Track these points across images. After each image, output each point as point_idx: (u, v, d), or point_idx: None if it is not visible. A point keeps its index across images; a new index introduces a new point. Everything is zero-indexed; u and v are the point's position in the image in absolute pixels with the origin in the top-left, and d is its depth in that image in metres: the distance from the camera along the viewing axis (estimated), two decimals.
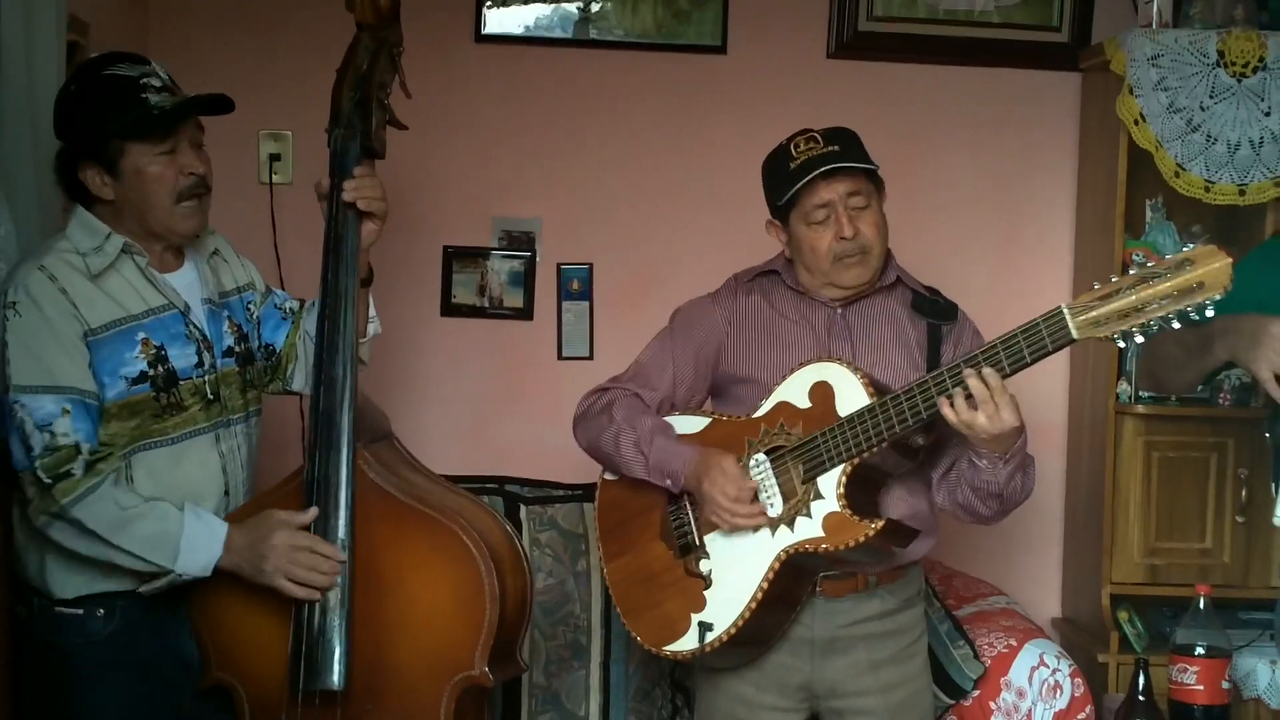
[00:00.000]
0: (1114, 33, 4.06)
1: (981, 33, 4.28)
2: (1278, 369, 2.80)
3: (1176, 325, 2.62)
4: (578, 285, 4.27)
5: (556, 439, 4.08)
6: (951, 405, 2.80)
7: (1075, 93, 4.34)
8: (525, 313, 4.27)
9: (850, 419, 2.91)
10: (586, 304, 4.27)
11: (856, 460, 2.92)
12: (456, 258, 4.23)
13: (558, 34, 4.22)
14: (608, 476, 3.29)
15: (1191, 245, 2.70)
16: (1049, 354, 2.75)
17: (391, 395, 4.02)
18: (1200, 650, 3.72)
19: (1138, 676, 3.67)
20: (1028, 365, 2.77)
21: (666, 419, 3.17)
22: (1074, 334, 2.69)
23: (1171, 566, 4.05)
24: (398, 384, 4.19)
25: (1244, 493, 4.01)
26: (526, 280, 4.25)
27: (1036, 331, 2.73)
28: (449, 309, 4.25)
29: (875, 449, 2.90)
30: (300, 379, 3.21)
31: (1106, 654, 4.00)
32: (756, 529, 3.00)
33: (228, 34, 4.12)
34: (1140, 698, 3.67)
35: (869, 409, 2.89)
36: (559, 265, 4.27)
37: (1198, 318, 2.60)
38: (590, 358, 4.27)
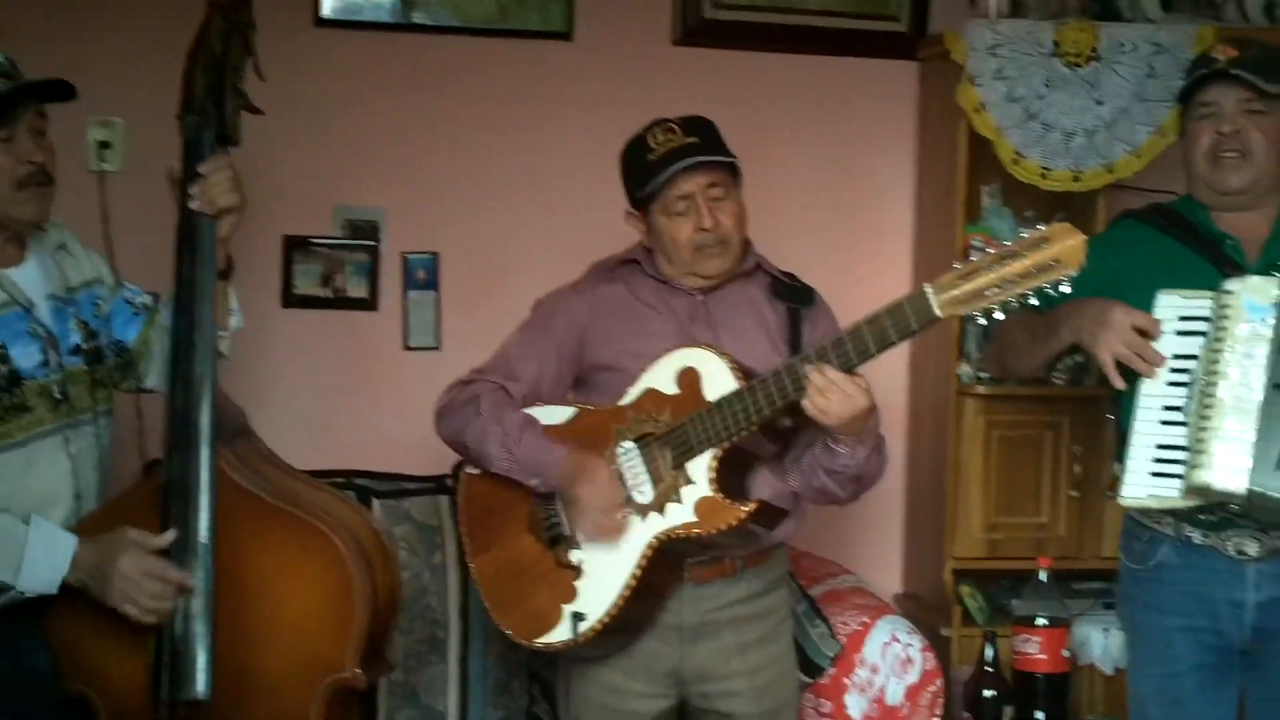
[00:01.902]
0: (950, 23, 4.15)
1: (823, 21, 4.33)
2: (1116, 353, 2.92)
3: (1035, 302, 2.70)
4: (424, 275, 4.22)
5: (405, 430, 4.08)
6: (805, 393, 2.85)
7: (914, 81, 4.42)
8: (370, 303, 4.20)
9: (719, 403, 2.94)
10: (433, 294, 4.23)
11: (727, 444, 2.95)
12: (297, 248, 4.15)
13: (399, 19, 4.15)
14: (471, 470, 3.27)
15: (1027, 230, 2.77)
16: (914, 333, 2.82)
17: (231, 390, 3.90)
18: (1042, 621, 3.88)
19: (985, 649, 3.82)
20: (894, 344, 2.84)
21: (533, 410, 3.16)
22: (938, 312, 2.75)
23: (1010, 541, 4.17)
24: (238, 378, 4.06)
25: (1077, 468, 4.14)
26: (371, 270, 4.18)
27: (901, 312, 2.79)
28: (290, 300, 4.17)
29: (745, 433, 2.93)
30: (155, 377, 3.12)
31: (949, 628, 4.11)
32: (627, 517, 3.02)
33: (50, 16, 3.96)
34: (988, 669, 3.81)
35: (737, 393, 2.93)
36: (404, 255, 4.21)
37: (1055, 294, 2.69)
38: (437, 348, 4.23)
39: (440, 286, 4.24)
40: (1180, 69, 3.91)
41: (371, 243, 4.19)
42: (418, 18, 4.16)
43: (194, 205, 2.89)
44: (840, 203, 4.44)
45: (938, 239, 4.25)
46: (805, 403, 2.85)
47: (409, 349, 4.24)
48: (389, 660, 3.07)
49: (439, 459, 3.75)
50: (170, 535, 2.83)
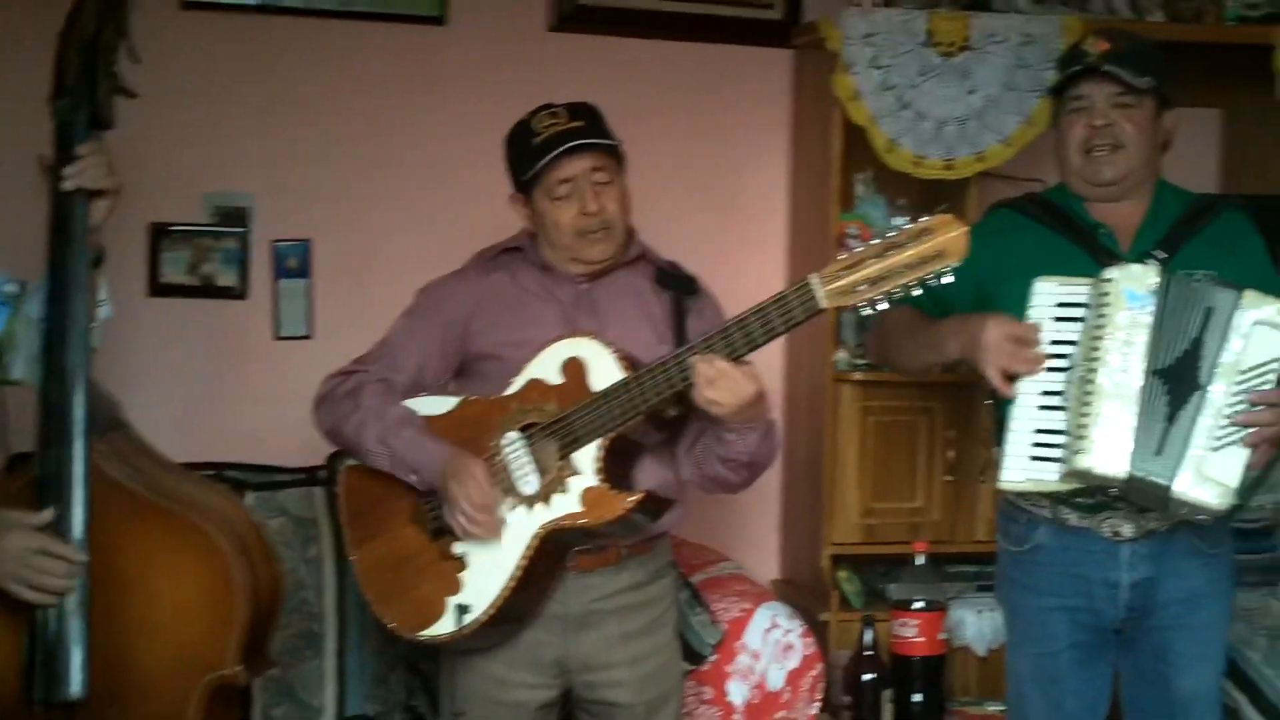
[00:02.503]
0: (824, 11, 4.16)
1: (697, 8, 4.33)
2: (1000, 366, 2.95)
3: (918, 292, 2.73)
4: (294, 263, 4.15)
5: (277, 421, 4.02)
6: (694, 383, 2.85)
7: (788, 69, 4.44)
8: (239, 292, 4.12)
9: (605, 393, 2.93)
10: (304, 282, 4.16)
11: (613, 434, 2.94)
12: (164, 235, 4.06)
13: (269, 1, 4.07)
14: (350, 462, 3.22)
15: (905, 219, 2.80)
16: (800, 323, 2.84)
17: (98, 381, 3.85)
18: (919, 604, 3.92)
19: (864, 633, 3.85)
20: (779, 335, 2.86)
21: (415, 401, 3.12)
22: (823, 303, 2.78)
23: (886, 526, 4.21)
24: (104, 370, 3.95)
25: (951, 453, 4.19)
26: (240, 258, 4.10)
27: (787, 302, 2.81)
28: (157, 289, 4.07)
29: (631, 422, 2.92)
30: (21, 368, 3.02)
31: (827, 612, 4.12)
32: (513, 506, 2.99)
33: None
34: (866, 653, 3.85)
35: (624, 383, 2.92)
36: (274, 242, 4.14)
37: (937, 284, 2.71)
38: (309, 337, 4.17)
39: (312, 274, 4.18)
40: (1049, 59, 4.00)
41: (240, 229, 4.11)
42: (289, 0, 4.09)
43: (67, 187, 2.80)
44: (715, 190, 4.45)
45: (812, 227, 4.27)
46: (694, 393, 2.85)
47: (280, 338, 4.17)
48: (270, 657, 3.01)
49: (312, 450, 3.70)
50: (49, 514, 2.73)
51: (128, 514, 2.82)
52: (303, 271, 4.16)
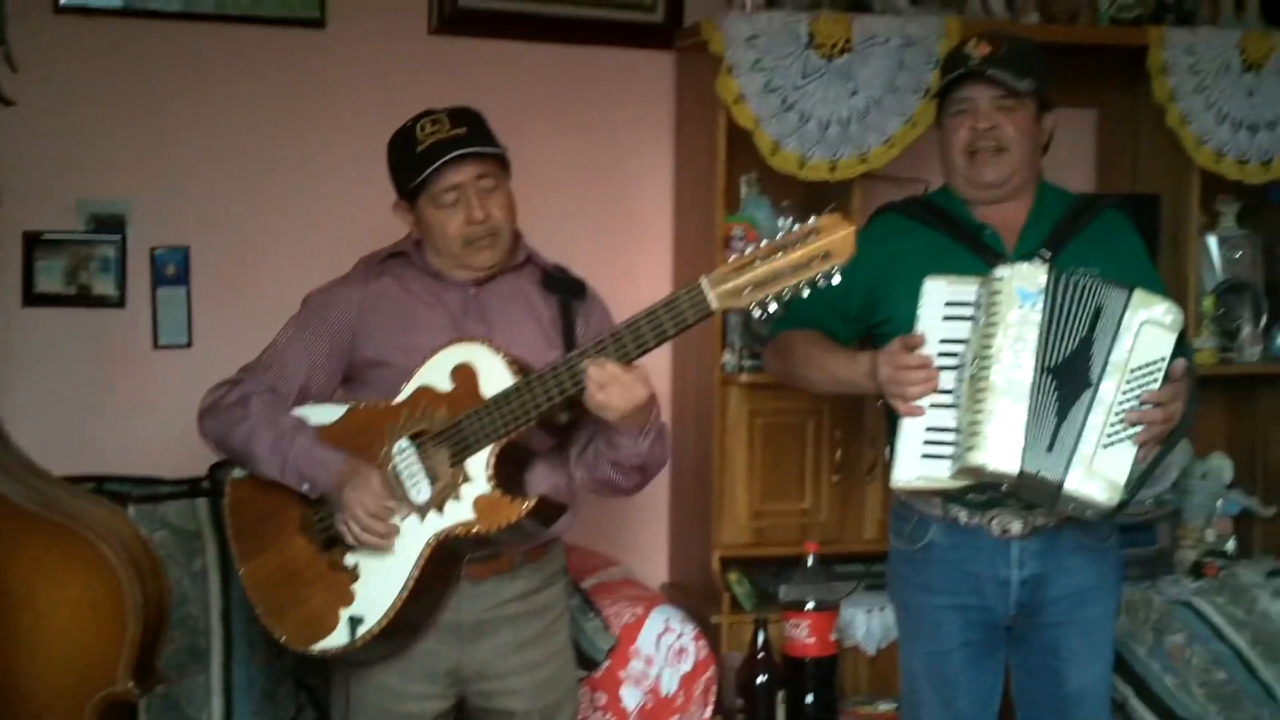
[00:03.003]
0: (705, 13, 4.16)
1: (579, 11, 4.32)
2: (902, 396, 2.97)
3: (808, 293, 2.73)
4: (173, 270, 4.08)
5: (157, 432, 3.96)
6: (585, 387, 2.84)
7: (670, 72, 4.44)
8: (117, 300, 4.04)
9: (497, 399, 2.91)
10: (183, 289, 4.09)
11: (505, 440, 2.91)
12: (39, 244, 3.97)
13: (145, 5, 3.99)
14: (238, 474, 3.16)
15: (785, 220, 2.81)
16: (690, 325, 2.83)
17: None
18: (810, 605, 3.95)
19: (757, 635, 3.87)
20: (670, 337, 2.86)
21: (303, 410, 3.08)
22: (713, 305, 2.77)
23: (775, 527, 4.24)
24: None
25: (839, 454, 4.22)
26: (118, 266, 4.02)
27: (678, 305, 2.80)
28: (32, 299, 3.98)
29: (523, 428, 2.90)
30: None
31: (719, 615, 4.13)
32: (405, 516, 2.96)
33: None
34: (759, 655, 3.86)
35: (515, 388, 2.90)
36: (152, 250, 4.06)
37: (827, 285, 2.72)
38: (189, 346, 4.09)
39: (191, 282, 4.10)
40: (929, 60, 4.05)
41: (117, 237, 4.03)
42: (166, 4, 4.01)
43: None
44: (601, 193, 4.44)
45: (698, 229, 4.27)
46: (586, 397, 2.84)
47: (159, 347, 4.09)
48: (159, 673, 2.96)
49: (194, 461, 3.65)
50: None
51: (13, 529, 2.77)
52: (182, 279, 4.09)
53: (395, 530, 2.96)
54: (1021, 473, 2.88)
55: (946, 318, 2.99)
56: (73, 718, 2.75)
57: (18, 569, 2.75)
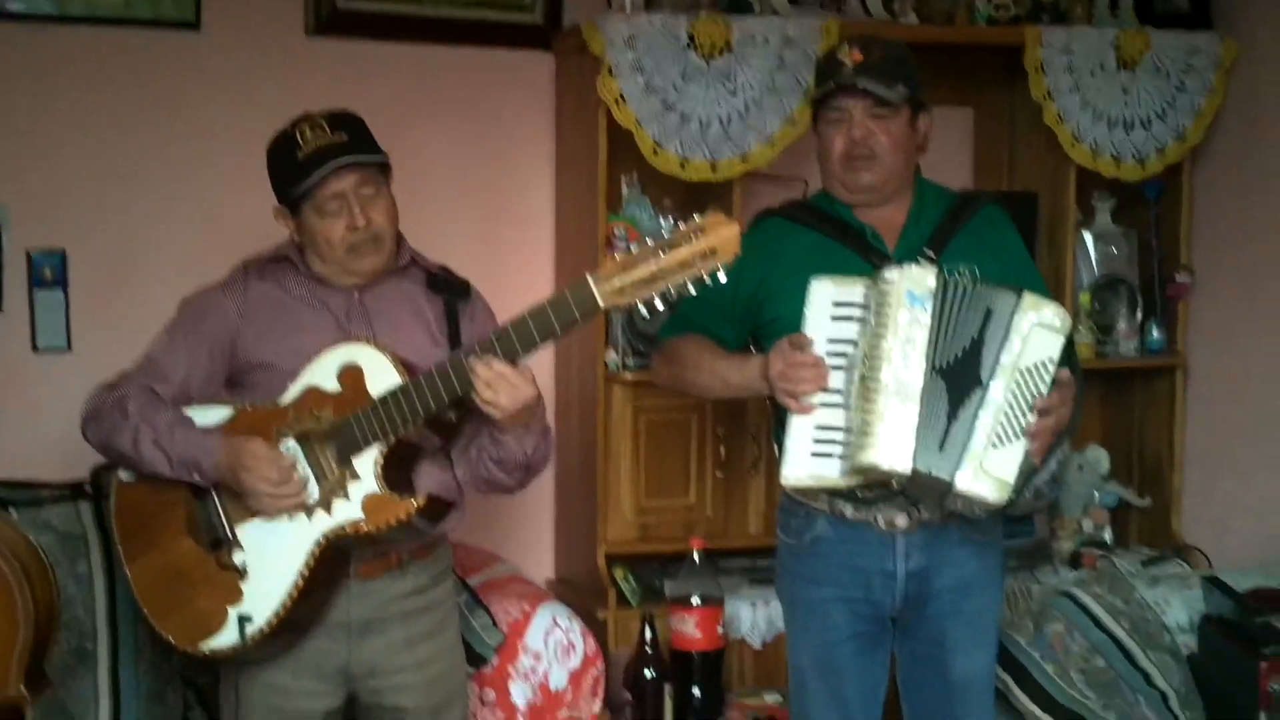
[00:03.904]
0: (584, 15, 4.20)
1: (457, 13, 4.32)
2: (790, 393, 3.00)
3: (693, 291, 2.75)
4: (50, 273, 4.03)
5: (37, 436, 3.93)
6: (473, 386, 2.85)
7: (550, 73, 4.46)
8: None
9: (384, 399, 2.91)
10: (61, 292, 4.04)
11: (393, 440, 2.92)
12: None
13: (17, 7, 3.94)
14: (124, 477, 3.14)
15: (666, 219, 2.84)
16: (576, 323, 2.84)
17: None
18: (696, 599, 3.98)
19: (644, 630, 3.89)
20: (558, 335, 2.86)
21: (190, 410, 3.06)
22: (600, 302, 2.79)
23: (660, 523, 4.27)
24: None
25: (722, 450, 4.26)
26: None
27: (564, 303, 2.82)
28: None
29: (412, 427, 2.91)
30: None
31: (605, 610, 4.16)
32: (293, 515, 2.96)
33: None
34: (647, 649, 3.89)
35: (403, 388, 2.90)
36: (28, 252, 4.01)
37: (711, 282, 2.75)
38: (68, 349, 4.05)
39: (69, 285, 4.06)
40: (808, 61, 4.09)
41: None
42: (36, 7, 3.96)
43: None
44: (483, 193, 4.44)
45: (580, 228, 4.29)
46: (474, 396, 2.85)
47: (37, 350, 4.05)
48: (49, 676, 2.94)
49: (76, 464, 3.62)
50: None
51: None
52: (59, 281, 4.04)
53: (305, 482, 2.95)
54: (914, 471, 2.91)
55: (834, 318, 3.01)
56: None
57: None
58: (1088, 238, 4.70)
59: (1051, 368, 2.94)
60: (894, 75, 3.13)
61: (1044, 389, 2.94)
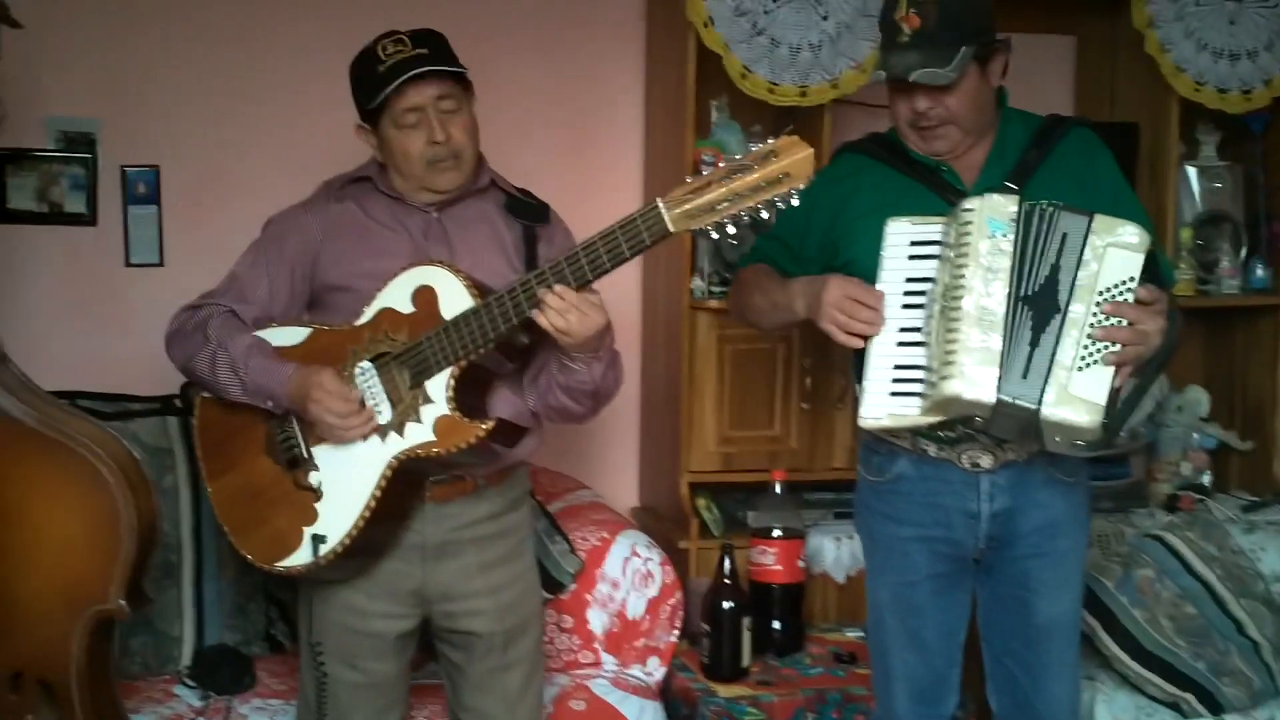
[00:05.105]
0: None
1: None
2: (841, 325, 2.97)
3: (765, 215, 2.72)
4: (144, 189, 4.08)
5: (129, 350, 3.98)
6: (543, 313, 2.84)
7: None
8: (89, 218, 4.05)
9: (455, 321, 2.91)
10: (154, 208, 4.08)
11: (464, 362, 2.91)
12: (9, 161, 3.96)
13: None
14: (206, 394, 3.17)
15: (755, 144, 2.79)
16: (647, 248, 2.81)
17: None
18: (777, 532, 3.96)
19: (723, 561, 3.88)
20: (627, 259, 2.83)
21: (266, 332, 3.07)
22: (670, 227, 2.76)
23: (744, 454, 4.22)
24: None
25: (808, 382, 4.22)
26: (88, 184, 4.03)
27: (634, 226, 2.79)
28: (4, 216, 3.98)
29: (483, 350, 2.90)
30: None
31: (687, 540, 4.15)
32: (368, 437, 2.97)
33: None
34: (726, 580, 3.87)
35: (474, 310, 2.89)
36: (123, 168, 4.06)
37: (784, 206, 2.71)
38: (160, 264, 4.10)
39: (162, 201, 4.10)
40: None
41: (87, 155, 4.03)
42: None
43: None
44: (570, 116, 4.42)
45: (667, 153, 4.25)
46: (543, 322, 2.84)
47: (131, 265, 4.11)
48: (147, 593, 3.00)
49: (166, 379, 3.63)
50: None
51: (15, 444, 2.86)
52: (153, 198, 4.09)
53: (372, 416, 2.96)
54: (998, 402, 2.85)
55: (912, 257, 2.97)
56: (64, 632, 2.84)
57: (18, 484, 2.84)
58: (1191, 172, 4.58)
59: (1132, 285, 2.85)
60: (954, 39, 2.97)
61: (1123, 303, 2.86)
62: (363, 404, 2.96)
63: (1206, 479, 4.65)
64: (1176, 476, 4.62)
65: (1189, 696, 3.81)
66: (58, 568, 2.84)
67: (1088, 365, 2.85)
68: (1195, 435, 4.67)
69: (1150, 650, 3.82)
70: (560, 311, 2.82)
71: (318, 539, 2.99)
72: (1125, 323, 2.85)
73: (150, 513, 2.94)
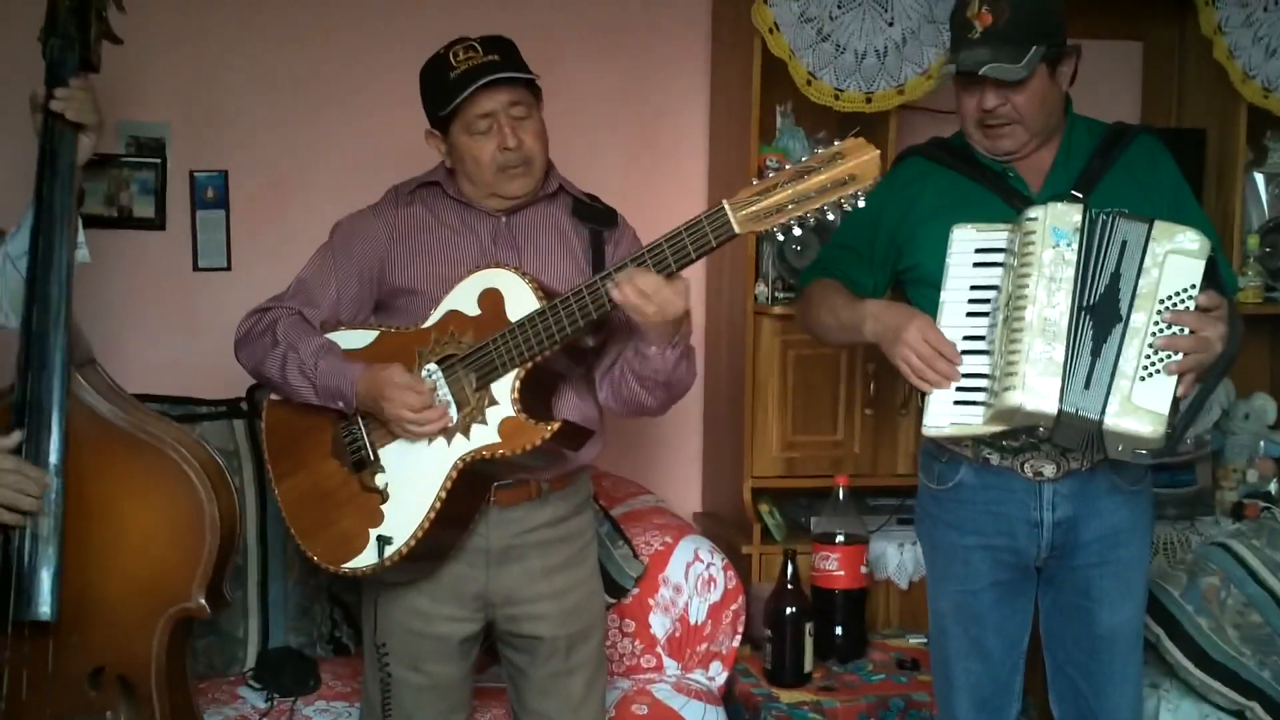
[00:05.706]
0: None
1: None
2: (911, 365, 2.95)
3: (831, 217, 2.73)
4: (212, 193, 4.12)
5: (196, 353, 4.02)
6: (620, 289, 2.84)
7: (707, 0, 4.42)
8: (157, 223, 4.09)
9: (521, 323, 2.92)
10: (223, 212, 4.13)
11: (529, 364, 2.93)
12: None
13: None
14: (273, 396, 3.20)
15: (820, 150, 2.80)
16: (713, 249, 2.83)
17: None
18: (840, 538, 3.96)
19: (786, 566, 3.87)
20: (692, 260, 2.85)
21: (334, 335, 3.10)
22: (736, 228, 2.78)
23: (807, 459, 4.22)
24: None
25: (872, 387, 4.20)
26: (157, 188, 4.07)
27: (700, 227, 2.81)
28: None
29: (548, 352, 2.92)
30: (3, 311, 3.04)
31: (749, 545, 4.15)
32: (432, 439, 2.99)
33: None
34: (788, 586, 3.86)
35: (539, 312, 2.91)
36: (192, 172, 4.10)
37: (850, 208, 2.72)
38: (228, 268, 4.14)
39: (230, 205, 4.14)
40: None
41: (157, 160, 4.07)
42: None
43: (55, 107, 2.91)
44: (635, 122, 4.43)
45: (732, 159, 4.25)
46: (618, 294, 2.83)
47: (199, 269, 4.15)
48: (225, 595, 3.06)
49: (233, 382, 3.69)
50: (17, 436, 2.82)
51: (103, 443, 2.92)
52: (221, 202, 4.13)
53: (445, 409, 2.98)
54: (1060, 413, 2.83)
55: (977, 264, 2.96)
56: (146, 629, 2.90)
57: (107, 482, 2.89)
58: (1259, 179, 4.55)
59: (1194, 293, 2.84)
60: (1026, 37, 2.97)
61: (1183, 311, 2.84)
62: (435, 393, 2.98)
63: (1273, 487, 4.60)
64: (1243, 484, 4.59)
65: (1254, 705, 3.77)
66: (143, 565, 2.90)
67: (1150, 375, 2.84)
68: (1262, 442, 4.63)
69: (1215, 658, 3.79)
70: (642, 293, 2.83)
71: (383, 540, 3.01)
72: (1187, 331, 2.83)
73: (231, 515, 3.01)
